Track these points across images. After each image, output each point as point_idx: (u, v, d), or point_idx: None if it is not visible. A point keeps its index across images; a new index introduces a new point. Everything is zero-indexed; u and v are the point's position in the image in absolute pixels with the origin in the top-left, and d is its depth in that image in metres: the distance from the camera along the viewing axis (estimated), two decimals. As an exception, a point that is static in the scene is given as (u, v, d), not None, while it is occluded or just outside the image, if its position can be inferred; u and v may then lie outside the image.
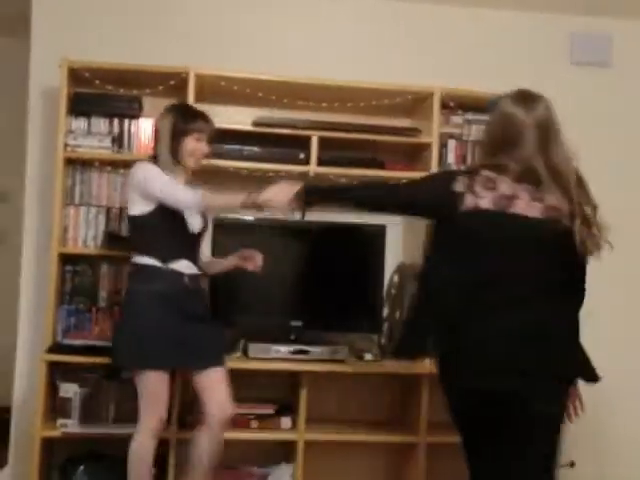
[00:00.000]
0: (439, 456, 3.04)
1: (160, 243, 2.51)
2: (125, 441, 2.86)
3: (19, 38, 3.42)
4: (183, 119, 2.56)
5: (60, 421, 2.83)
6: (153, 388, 2.48)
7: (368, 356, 3.10)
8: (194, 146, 2.56)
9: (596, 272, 3.42)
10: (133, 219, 2.56)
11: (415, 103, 3.19)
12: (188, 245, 2.58)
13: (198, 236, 2.64)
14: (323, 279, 3.16)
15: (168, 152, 2.55)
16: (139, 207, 2.52)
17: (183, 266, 2.55)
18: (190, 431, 2.65)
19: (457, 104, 3.18)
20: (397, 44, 3.37)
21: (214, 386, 2.54)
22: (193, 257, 2.60)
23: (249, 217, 3.10)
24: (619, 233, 3.46)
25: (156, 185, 2.47)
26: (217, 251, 3.01)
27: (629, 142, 3.53)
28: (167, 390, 2.52)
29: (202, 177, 2.88)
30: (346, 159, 3.09)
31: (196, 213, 2.56)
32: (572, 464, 3.35)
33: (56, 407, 2.87)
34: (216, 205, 2.60)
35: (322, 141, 3.03)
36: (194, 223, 2.57)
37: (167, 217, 2.49)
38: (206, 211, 2.61)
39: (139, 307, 2.50)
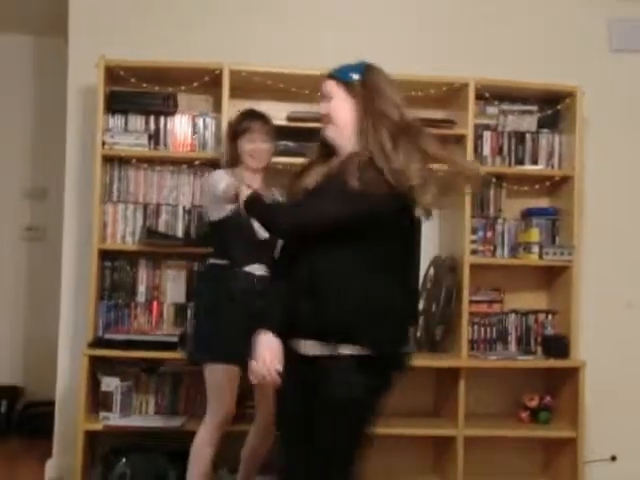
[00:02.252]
0: (476, 449, 3.04)
1: (234, 246, 2.55)
2: (165, 433, 2.92)
3: (57, 38, 3.48)
4: (236, 121, 2.66)
5: (102, 414, 2.88)
6: (221, 382, 2.49)
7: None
8: (249, 147, 2.60)
9: (635, 263, 3.39)
10: (212, 224, 2.62)
11: (450, 94, 3.15)
12: (260, 249, 2.54)
13: (270, 241, 2.51)
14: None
15: (227, 155, 2.68)
16: (215, 213, 2.56)
17: (254, 268, 2.56)
18: (238, 424, 2.64)
19: (492, 95, 3.14)
20: (431, 35, 3.34)
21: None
22: (266, 261, 2.54)
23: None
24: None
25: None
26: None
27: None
28: (236, 386, 2.52)
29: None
30: (380, 152, 3.07)
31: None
32: (613, 458, 3.31)
33: (98, 401, 2.92)
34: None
35: (356, 134, 3.02)
36: (261, 231, 2.49)
37: (238, 224, 2.47)
38: None
39: (210, 304, 2.55)
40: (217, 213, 2.55)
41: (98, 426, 2.87)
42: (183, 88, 3.04)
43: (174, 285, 3.11)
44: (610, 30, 3.41)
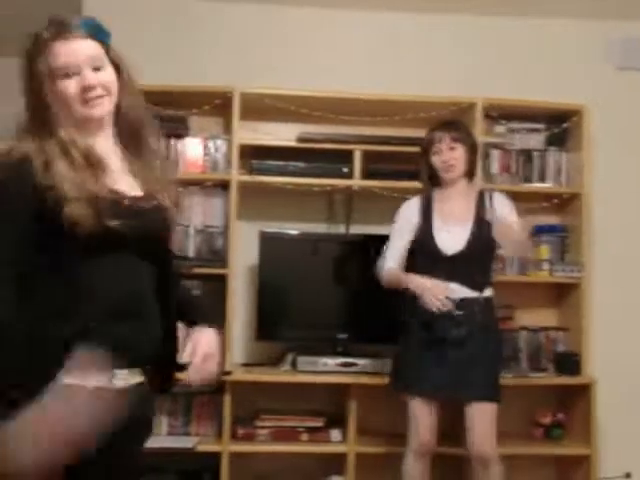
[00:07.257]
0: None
1: None
2: (177, 454, 2.92)
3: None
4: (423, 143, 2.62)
5: (115, 435, 2.88)
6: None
7: (415, 368, 3.09)
8: (436, 160, 2.57)
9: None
10: None
11: (458, 114, 3.18)
12: None
13: None
14: (368, 291, 3.16)
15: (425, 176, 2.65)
16: None
17: None
18: (242, 443, 2.62)
19: (500, 114, 3.17)
20: (439, 56, 3.38)
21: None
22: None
23: (294, 231, 3.15)
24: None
25: None
26: (264, 263, 3.08)
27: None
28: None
29: (248, 193, 2.95)
30: (389, 171, 3.10)
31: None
32: (628, 475, 3.28)
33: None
34: None
35: (366, 155, 3.05)
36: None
37: None
38: None
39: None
40: None
41: (111, 447, 2.86)
42: (194, 111, 3.08)
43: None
44: (615, 48, 3.44)
